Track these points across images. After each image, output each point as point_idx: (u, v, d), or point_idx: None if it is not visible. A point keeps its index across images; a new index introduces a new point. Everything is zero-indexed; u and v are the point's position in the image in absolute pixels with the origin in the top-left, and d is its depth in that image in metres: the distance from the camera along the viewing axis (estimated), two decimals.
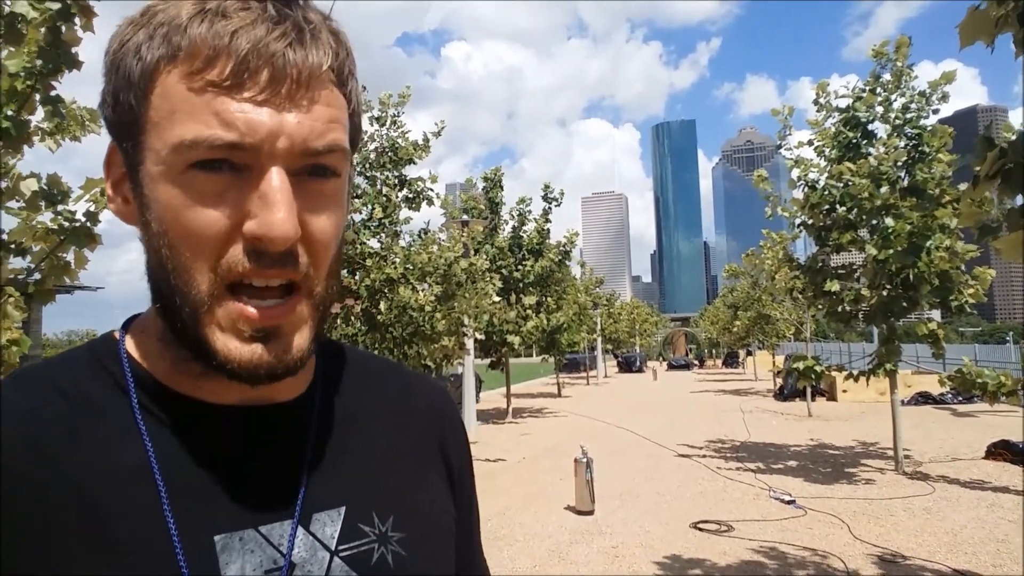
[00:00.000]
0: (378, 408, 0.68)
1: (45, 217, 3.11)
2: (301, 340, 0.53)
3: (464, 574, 0.72)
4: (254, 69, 0.48)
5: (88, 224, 3.20)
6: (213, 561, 0.51)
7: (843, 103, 8.82)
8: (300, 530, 0.55)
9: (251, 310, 0.50)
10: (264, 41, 0.48)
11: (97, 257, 3.21)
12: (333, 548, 0.56)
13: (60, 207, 3.14)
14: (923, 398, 16.61)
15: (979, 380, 6.67)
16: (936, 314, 9.62)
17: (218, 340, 0.51)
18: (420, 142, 9.91)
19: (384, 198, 9.25)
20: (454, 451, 0.72)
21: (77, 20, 2.66)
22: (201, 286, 0.50)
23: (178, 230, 0.50)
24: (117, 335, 0.60)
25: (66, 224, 3.15)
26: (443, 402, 0.75)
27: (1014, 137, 2.59)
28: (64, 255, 3.25)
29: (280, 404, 0.60)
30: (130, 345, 0.59)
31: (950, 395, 16.08)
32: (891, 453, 9.02)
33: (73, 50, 2.65)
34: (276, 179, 0.49)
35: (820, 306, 9.21)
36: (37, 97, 2.73)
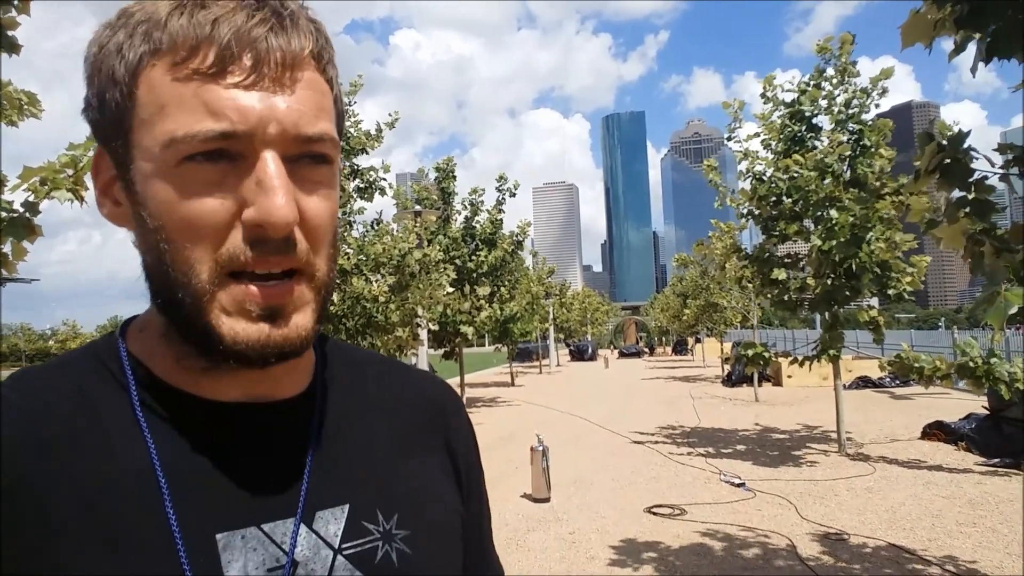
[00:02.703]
0: (381, 404, 0.67)
1: None
2: (305, 320, 0.53)
3: (475, 574, 0.72)
4: (238, 55, 0.49)
5: (27, 215, 3.06)
6: (215, 559, 0.51)
7: (789, 97, 9.06)
8: (303, 528, 0.55)
9: (254, 289, 0.51)
10: (245, 27, 0.49)
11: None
12: (337, 546, 0.56)
13: None
14: (863, 382, 17.22)
15: (916, 365, 6.96)
16: (875, 301, 9.99)
17: (224, 324, 0.51)
18: (373, 132, 9.78)
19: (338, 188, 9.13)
20: (460, 446, 0.72)
21: (14, 2, 2.53)
22: (202, 275, 0.50)
23: (176, 223, 0.50)
24: (118, 335, 0.60)
25: (3, 215, 3.01)
26: (446, 397, 0.74)
27: (951, 133, 2.71)
28: (1, 247, 3.11)
29: (282, 401, 0.59)
30: (131, 344, 0.58)
31: (888, 379, 16.74)
32: (834, 436, 9.34)
33: (10, 33, 2.52)
34: (272, 164, 0.49)
35: (767, 294, 9.46)
36: None
